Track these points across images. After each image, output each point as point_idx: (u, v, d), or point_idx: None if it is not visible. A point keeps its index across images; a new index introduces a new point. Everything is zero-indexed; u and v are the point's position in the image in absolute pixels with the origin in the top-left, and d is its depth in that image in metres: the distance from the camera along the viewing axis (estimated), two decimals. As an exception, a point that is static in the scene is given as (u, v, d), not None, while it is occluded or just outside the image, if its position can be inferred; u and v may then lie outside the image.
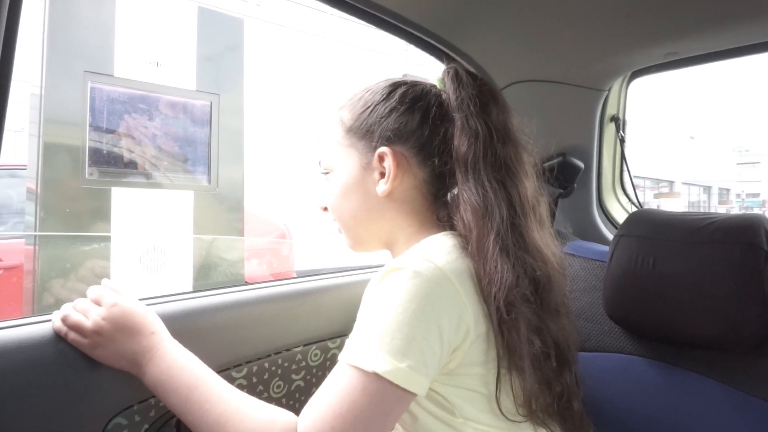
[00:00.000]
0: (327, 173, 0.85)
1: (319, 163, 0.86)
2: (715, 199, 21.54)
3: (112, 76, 3.25)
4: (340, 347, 1.05)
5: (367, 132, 0.79)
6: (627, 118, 1.34)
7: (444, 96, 0.80)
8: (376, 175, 0.79)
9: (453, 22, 1.02)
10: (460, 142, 0.74)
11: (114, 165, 3.36)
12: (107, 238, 3.27)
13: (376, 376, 0.60)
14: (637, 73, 1.25)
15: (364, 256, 0.91)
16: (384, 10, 0.95)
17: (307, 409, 0.63)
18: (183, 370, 0.69)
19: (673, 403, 0.91)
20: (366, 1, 0.92)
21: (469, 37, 1.07)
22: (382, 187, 0.78)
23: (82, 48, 3.15)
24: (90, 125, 3.21)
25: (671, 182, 18.13)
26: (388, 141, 0.78)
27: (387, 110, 0.79)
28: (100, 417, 0.74)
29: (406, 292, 0.62)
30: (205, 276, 3.84)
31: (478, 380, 0.68)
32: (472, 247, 0.69)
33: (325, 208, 0.86)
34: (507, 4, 0.95)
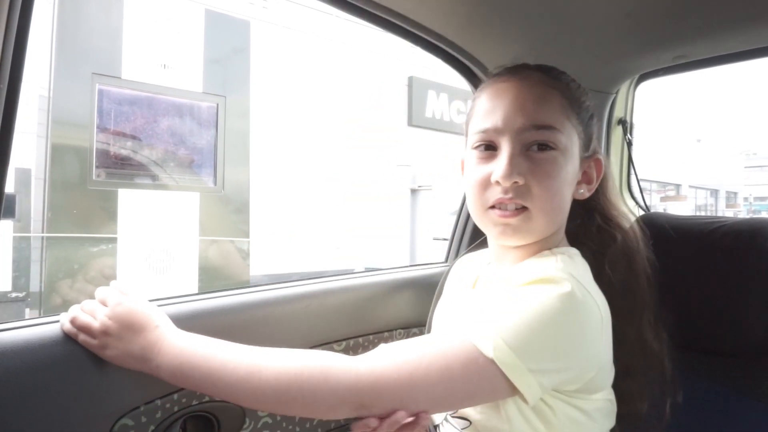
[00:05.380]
0: (548, 149, 0.71)
1: (541, 128, 0.71)
2: (722, 202, 21.39)
3: (120, 78, 3.28)
4: (345, 350, 1.05)
5: (591, 125, 0.79)
6: (634, 120, 1.33)
7: None
8: (580, 175, 0.78)
9: (462, 26, 1.02)
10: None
11: (121, 167, 3.38)
12: (114, 240, 3.29)
13: (489, 360, 0.59)
14: (644, 76, 1.24)
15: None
16: (394, 13, 0.95)
17: (383, 351, 0.63)
18: (195, 348, 0.69)
19: (678, 408, 0.91)
20: (376, 4, 0.92)
21: (478, 40, 1.07)
22: (586, 191, 0.78)
23: (90, 50, 3.17)
24: (97, 127, 3.23)
25: (678, 185, 18.02)
26: (594, 149, 0.79)
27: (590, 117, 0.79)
28: (107, 418, 0.74)
29: (559, 314, 0.61)
30: (210, 279, 3.84)
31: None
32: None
33: (515, 182, 0.70)
34: (516, 9, 0.95)
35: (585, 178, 0.78)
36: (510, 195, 0.70)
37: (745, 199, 23.41)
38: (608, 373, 0.70)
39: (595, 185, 0.79)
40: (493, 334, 0.60)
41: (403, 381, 0.60)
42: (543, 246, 0.76)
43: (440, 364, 0.60)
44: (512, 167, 0.70)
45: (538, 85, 0.74)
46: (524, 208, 0.71)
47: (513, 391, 0.60)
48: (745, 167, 24.04)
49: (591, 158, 0.78)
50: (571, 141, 0.73)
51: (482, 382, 0.60)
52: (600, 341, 0.65)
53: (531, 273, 0.66)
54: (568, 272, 0.65)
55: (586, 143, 0.77)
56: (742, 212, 20.89)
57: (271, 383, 0.62)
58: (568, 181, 0.73)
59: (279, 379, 0.62)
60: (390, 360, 0.62)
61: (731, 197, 22.19)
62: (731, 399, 0.86)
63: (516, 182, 0.70)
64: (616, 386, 0.72)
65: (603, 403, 0.69)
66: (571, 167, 0.73)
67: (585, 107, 0.77)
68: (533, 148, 0.71)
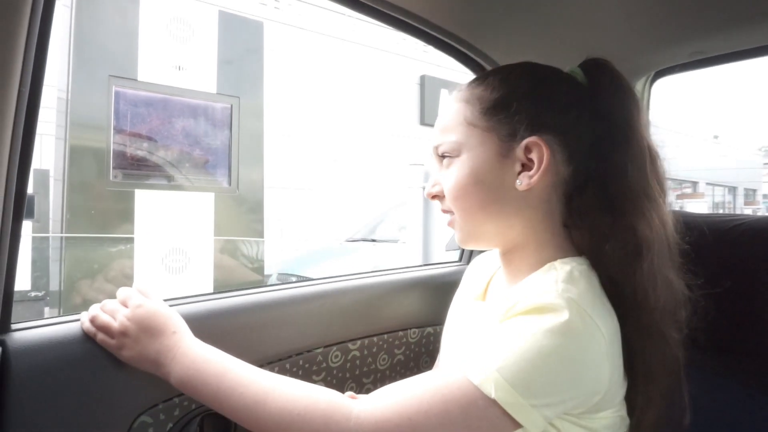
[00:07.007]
0: (450, 157, 0.76)
1: (438, 146, 0.78)
2: (740, 200, 21.02)
3: (136, 80, 3.31)
4: (360, 349, 1.05)
5: (510, 114, 0.72)
6: (650, 118, 1.32)
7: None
8: (518, 166, 0.72)
9: (475, 25, 1.02)
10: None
11: (137, 168, 3.42)
12: (131, 240, 3.33)
13: (491, 401, 0.58)
14: (660, 73, 1.23)
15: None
16: (407, 13, 0.95)
17: (382, 395, 0.63)
18: (208, 362, 0.70)
19: (696, 407, 0.90)
20: (388, 3, 0.92)
21: (492, 39, 1.07)
22: (525, 181, 0.72)
23: (106, 53, 3.21)
24: (114, 128, 3.28)
25: (695, 183, 17.77)
26: (535, 129, 0.72)
27: (533, 91, 0.75)
28: (126, 415, 0.76)
29: (560, 347, 0.59)
30: (225, 278, 3.86)
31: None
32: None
33: (435, 196, 0.79)
34: (529, 6, 0.95)
35: (527, 167, 0.73)
36: (442, 207, 0.80)
37: (765, 196, 22.98)
38: (618, 389, 0.67)
39: (537, 171, 0.71)
40: (493, 374, 0.59)
41: (403, 428, 0.60)
42: (539, 253, 0.73)
43: (440, 408, 0.60)
44: (430, 182, 0.80)
45: (452, 99, 0.79)
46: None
47: (516, 426, 0.59)
48: (764, 164, 23.60)
49: (519, 144, 0.72)
50: (472, 142, 0.74)
51: (484, 422, 0.59)
52: (605, 365, 0.62)
53: (529, 299, 0.63)
54: (568, 297, 0.62)
55: (511, 133, 0.72)
56: (761, 209, 20.53)
57: (275, 418, 0.64)
58: (478, 179, 0.73)
59: (282, 416, 0.63)
60: (389, 405, 0.61)
61: (750, 194, 21.81)
62: (749, 398, 0.85)
63: (435, 195, 0.79)
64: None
65: (613, 420, 0.67)
66: (480, 166, 0.73)
67: (505, 100, 0.73)
68: (443, 161, 0.78)
